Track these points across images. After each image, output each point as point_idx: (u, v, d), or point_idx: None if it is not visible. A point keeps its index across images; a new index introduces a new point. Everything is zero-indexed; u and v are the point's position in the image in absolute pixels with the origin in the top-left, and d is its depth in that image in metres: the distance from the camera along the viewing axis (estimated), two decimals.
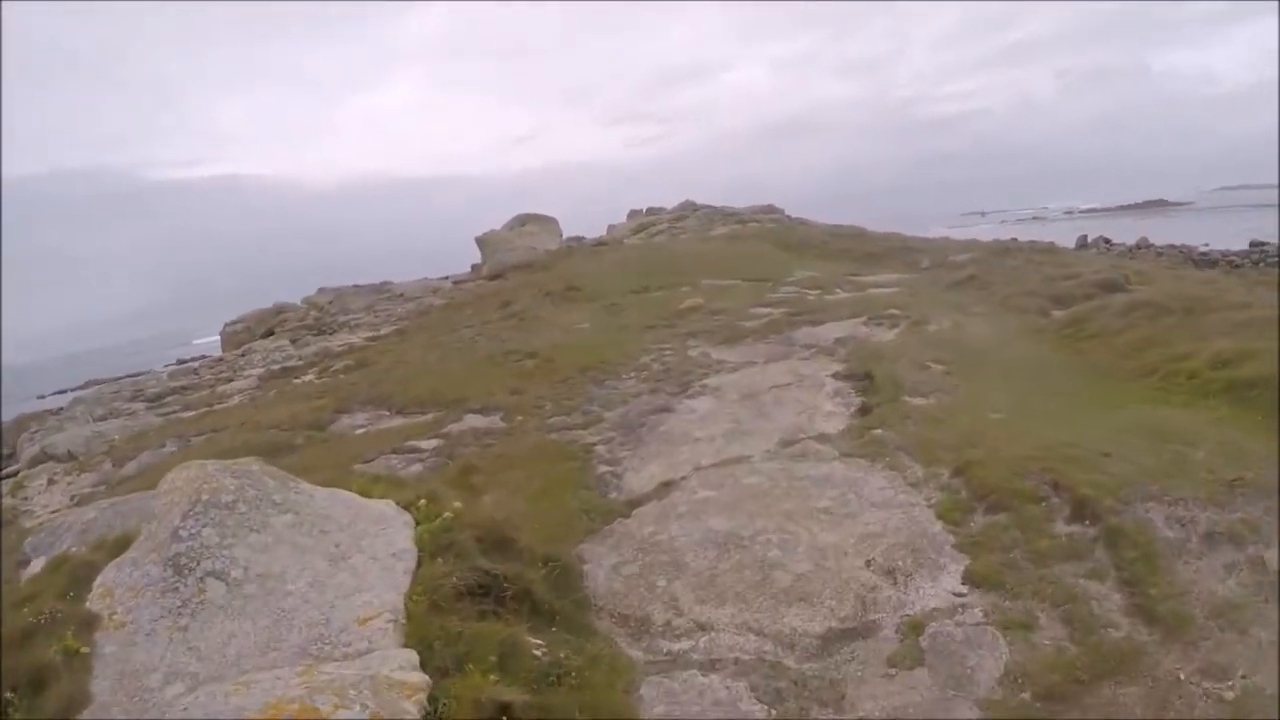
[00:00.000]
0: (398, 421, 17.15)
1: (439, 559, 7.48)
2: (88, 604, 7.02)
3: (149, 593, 6.98)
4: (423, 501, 8.58)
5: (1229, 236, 74.02)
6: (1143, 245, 68.59)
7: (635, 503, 10.39)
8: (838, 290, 24.02)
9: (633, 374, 17.25)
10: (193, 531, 7.34)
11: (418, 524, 8.26)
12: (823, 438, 11.74)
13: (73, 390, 62.45)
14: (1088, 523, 8.24)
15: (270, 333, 39.69)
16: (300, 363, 27.96)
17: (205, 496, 7.66)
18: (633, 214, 60.80)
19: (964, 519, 8.72)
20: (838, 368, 15.43)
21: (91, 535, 14.20)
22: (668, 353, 18.51)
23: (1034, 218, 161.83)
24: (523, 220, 57.81)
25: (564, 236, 56.20)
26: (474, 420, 15.78)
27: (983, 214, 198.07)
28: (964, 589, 7.63)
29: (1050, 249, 33.16)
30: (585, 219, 57.14)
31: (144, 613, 6.79)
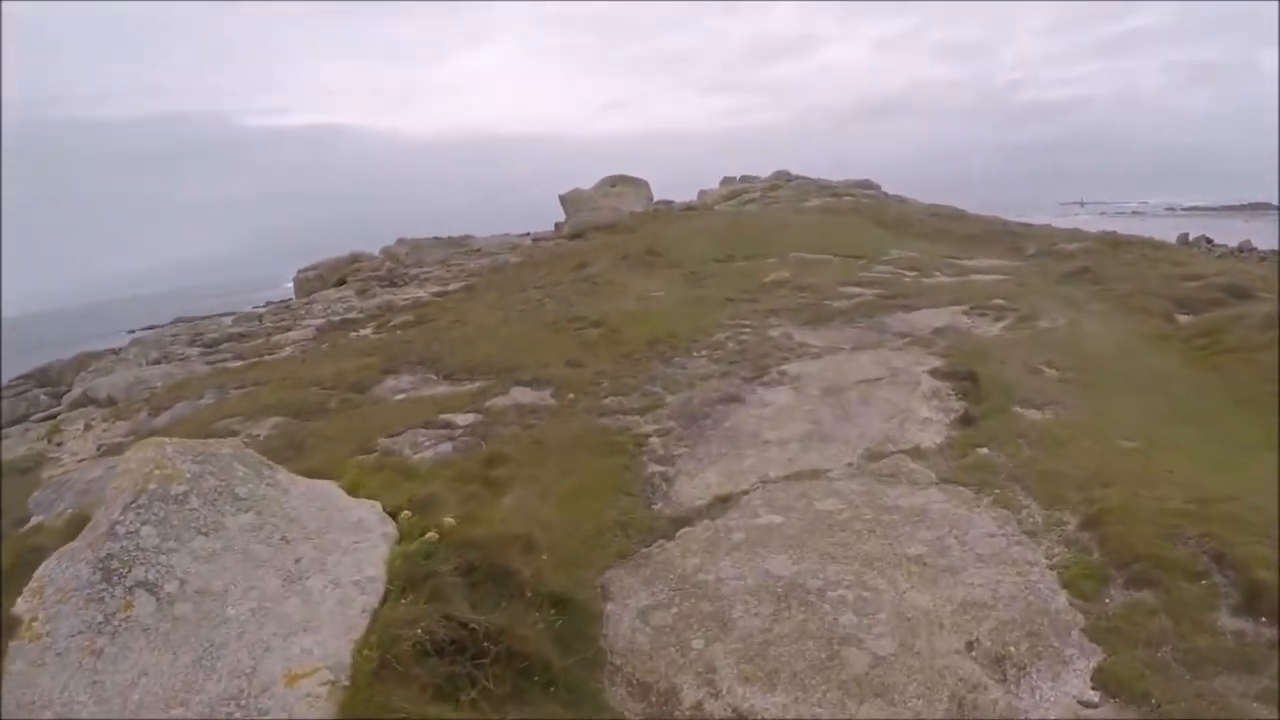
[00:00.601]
0: (442, 389, 15.47)
1: (409, 597, 5.69)
2: (19, 601, 5.60)
3: (75, 599, 5.50)
4: (407, 513, 6.79)
5: None
6: (1245, 248, 65.40)
7: (683, 520, 8.42)
8: (936, 273, 21.71)
9: (705, 352, 15.30)
10: (131, 529, 5.79)
11: (400, 539, 6.51)
12: (917, 453, 9.62)
13: (162, 326, 62.56)
14: (1264, 620, 6.06)
15: (343, 281, 38.24)
16: (361, 315, 26.41)
17: (153, 485, 6.06)
18: (725, 180, 58.60)
19: (1097, 592, 6.54)
20: (935, 363, 13.30)
21: (90, 497, 12.72)
22: (746, 331, 16.50)
23: (1134, 212, 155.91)
24: (613, 181, 55.91)
25: (654, 200, 54.22)
26: (521, 394, 14.01)
27: (1082, 204, 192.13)
28: (1094, 696, 5.54)
29: (1163, 245, 30.37)
30: (677, 185, 55.12)
31: (64, 624, 5.37)
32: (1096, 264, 21.92)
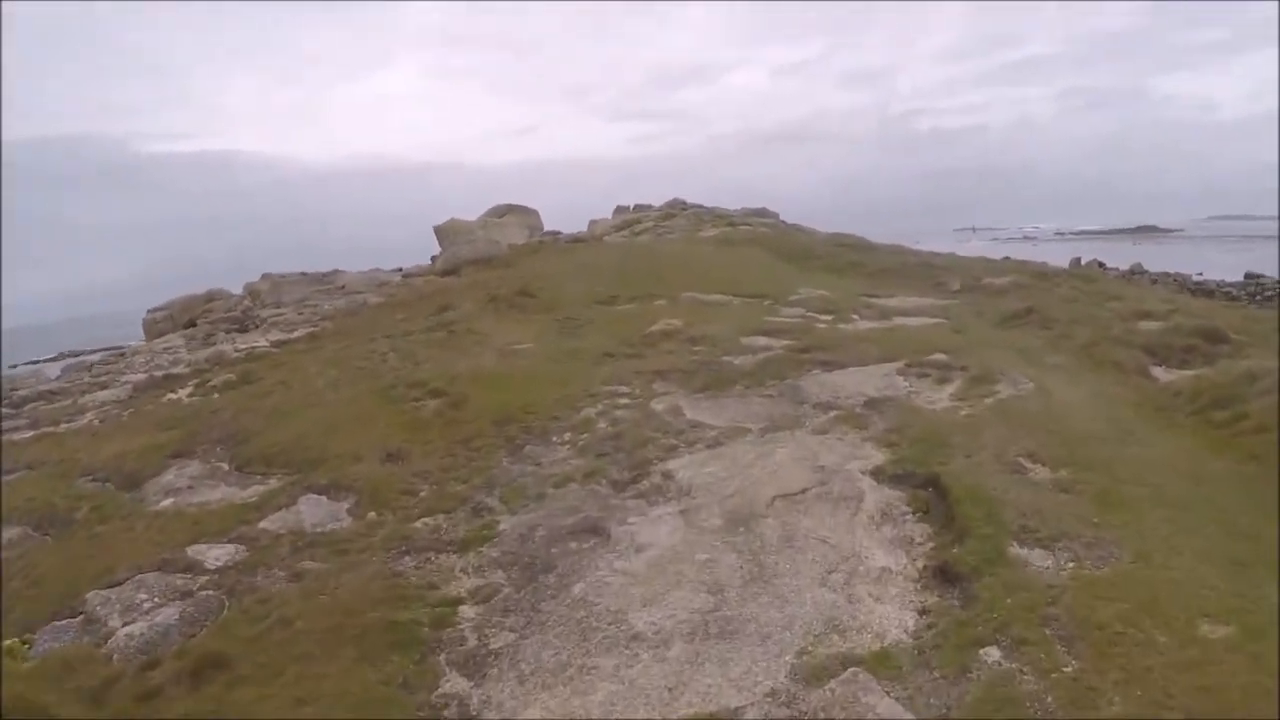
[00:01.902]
0: (221, 491, 11.36)
1: None
2: None
3: None
4: None
5: (1223, 267, 70.23)
6: (1137, 271, 64.29)
7: None
8: (855, 317, 17.97)
9: (567, 436, 11.36)
10: None
11: None
12: (882, 661, 5.64)
13: (43, 361, 57.02)
14: None
15: (192, 323, 33.19)
16: (186, 369, 21.68)
17: None
18: (619, 210, 54.74)
19: None
20: (878, 456, 9.49)
21: None
22: (623, 402, 12.52)
23: (1025, 237, 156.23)
24: (501, 211, 51.87)
25: (544, 229, 50.31)
26: (311, 507, 9.94)
27: (974, 230, 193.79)
28: None
29: (1091, 276, 27.13)
30: (576, 213, 51.34)
31: None
32: (1037, 302, 18.41)
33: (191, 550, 9.10)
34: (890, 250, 30.89)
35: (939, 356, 13.53)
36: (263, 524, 9.67)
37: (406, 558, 8.27)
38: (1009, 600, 6.18)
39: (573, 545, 7.93)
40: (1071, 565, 6.79)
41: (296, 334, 23.72)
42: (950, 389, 12.10)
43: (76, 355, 54.80)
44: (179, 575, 8.57)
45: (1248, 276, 60.48)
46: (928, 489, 8.55)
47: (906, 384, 12.52)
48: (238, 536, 9.35)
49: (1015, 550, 7.01)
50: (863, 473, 9.07)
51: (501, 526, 8.64)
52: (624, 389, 13.18)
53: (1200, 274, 63.95)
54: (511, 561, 7.82)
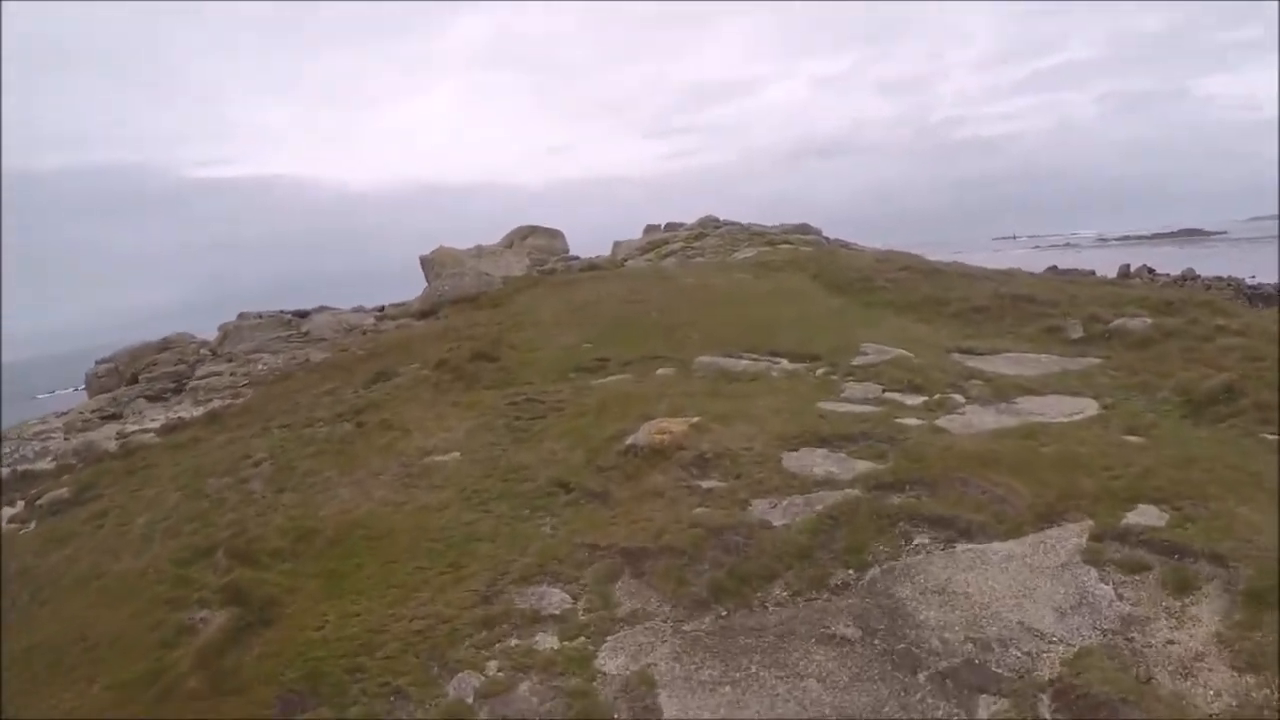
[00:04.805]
0: None
1: None
2: None
3: None
4: None
5: (1274, 269, 64.82)
6: (1189, 276, 59.56)
7: None
8: (959, 399, 11.08)
9: None
10: None
11: None
12: None
13: (77, 389, 53.85)
14: None
15: (135, 378, 26.95)
16: (51, 465, 15.51)
17: None
18: (649, 229, 48.13)
19: None
20: None
21: None
22: (545, 649, 6.07)
23: (1066, 244, 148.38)
24: (525, 233, 46.13)
25: (567, 252, 44.45)
26: None
27: (1014, 238, 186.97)
28: None
29: (1218, 306, 19.94)
30: (610, 233, 45.64)
31: None
32: (1233, 371, 11.52)
33: None
34: (963, 275, 23.84)
35: (1148, 513, 6.89)
36: None
37: None
38: None
39: None
40: None
41: (204, 410, 17.40)
42: (1211, 617, 5.48)
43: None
44: None
45: None
46: None
47: (1111, 594, 5.93)
48: None
49: None
50: None
51: None
52: (556, 602, 6.70)
53: (1254, 277, 59.92)
54: None
